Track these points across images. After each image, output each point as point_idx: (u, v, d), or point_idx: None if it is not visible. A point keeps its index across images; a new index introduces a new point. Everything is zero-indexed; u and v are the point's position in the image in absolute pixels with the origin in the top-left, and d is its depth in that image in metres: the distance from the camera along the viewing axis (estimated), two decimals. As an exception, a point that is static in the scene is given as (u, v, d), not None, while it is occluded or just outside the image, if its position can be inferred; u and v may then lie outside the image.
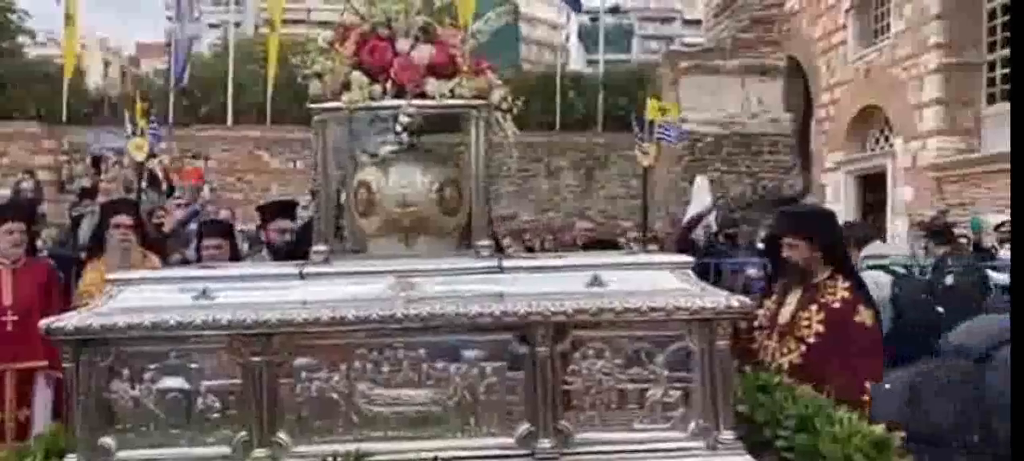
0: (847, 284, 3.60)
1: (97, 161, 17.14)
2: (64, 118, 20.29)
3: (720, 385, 2.23)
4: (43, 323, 2.21)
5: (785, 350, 3.54)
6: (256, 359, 2.20)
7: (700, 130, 20.04)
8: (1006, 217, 10.81)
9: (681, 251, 8.95)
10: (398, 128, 2.31)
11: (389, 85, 2.36)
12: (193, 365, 2.24)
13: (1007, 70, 14.17)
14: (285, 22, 24.25)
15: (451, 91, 2.34)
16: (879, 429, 2.13)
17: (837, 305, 3.52)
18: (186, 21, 21.63)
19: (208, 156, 20.56)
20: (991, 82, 14.65)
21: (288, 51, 23.57)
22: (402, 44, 2.38)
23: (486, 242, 2.39)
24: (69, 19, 19.62)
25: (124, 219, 5.14)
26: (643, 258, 2.39)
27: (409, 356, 2.24)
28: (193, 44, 22.27)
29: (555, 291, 2.25)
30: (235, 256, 5.58)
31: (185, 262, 7.41)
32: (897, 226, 15.57)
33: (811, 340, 3.47)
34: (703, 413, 2.24)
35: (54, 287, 5.23)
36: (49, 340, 4.82)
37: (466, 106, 2.38)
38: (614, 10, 28.19)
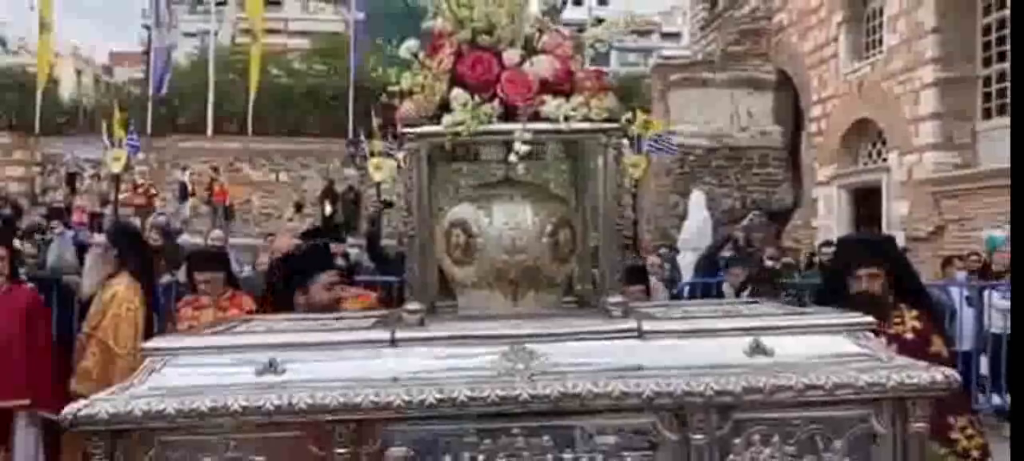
0: (915, 313, 3.34)
1: (72, 178, 16.43)
2: (37, 128, 19.59)
3: (915, 477, 1.81)
4: (68, 409, 1.72)
5: None
6: (342, 451, 1.73)
7: (689, 143, 19.80)
8: None
9: (707, 272, 8.66)
10: (513, 157, 1.85)
11: (496, 105, 1.90)
12: (258, 458, 1.76)
13: (1003, 85, 14.08)
14: (263, 32, 23.76)
15: (574, 111, 1.89)
16: None
17: (909, 336, 3.24)
18: (165, 29, 21.13)
19: (187, 167, 19.99)
20: (987, 97, 14.56)
21: (267, 61, 23.09)
22: (510, 55, 1.92)
23: (618, 299, 1.93)
24: (44, 27, 19.01)
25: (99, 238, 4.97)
26: (813, 319, 1.96)
27: (531, 445, 1.78)
28: (171, 53, 21.77)
29: (712, 363, 1.81)
30: (231, 283, 5.09)
31: (177, 284, 6.89)
32: (893, 241, 15.38)
33: None
34: (894, 511, 1.81)
35: (37, 315, 4.78)
36: (33, 375, 4.51)
37: (596, 130, 1.93)
38: (598, 23, 27.97)
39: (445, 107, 1.90)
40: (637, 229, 19.02)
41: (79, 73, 38.00)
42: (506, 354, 1.82)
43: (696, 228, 15.16)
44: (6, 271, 4.67)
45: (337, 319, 2.29)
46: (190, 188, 18.71)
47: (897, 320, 3.29)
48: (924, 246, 14.32)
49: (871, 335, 1.90)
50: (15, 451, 4.54)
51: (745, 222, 12.62)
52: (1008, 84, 13.80)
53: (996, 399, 8.50)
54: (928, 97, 14.92)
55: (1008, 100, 13.79)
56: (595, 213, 1.98)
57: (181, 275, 6.87)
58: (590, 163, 2.01)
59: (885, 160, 16.40)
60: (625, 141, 2.35)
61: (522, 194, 2.04)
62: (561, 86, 1.94)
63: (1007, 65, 13.84)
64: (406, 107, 1.90)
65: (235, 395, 1.73)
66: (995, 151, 13.80)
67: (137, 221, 12.91)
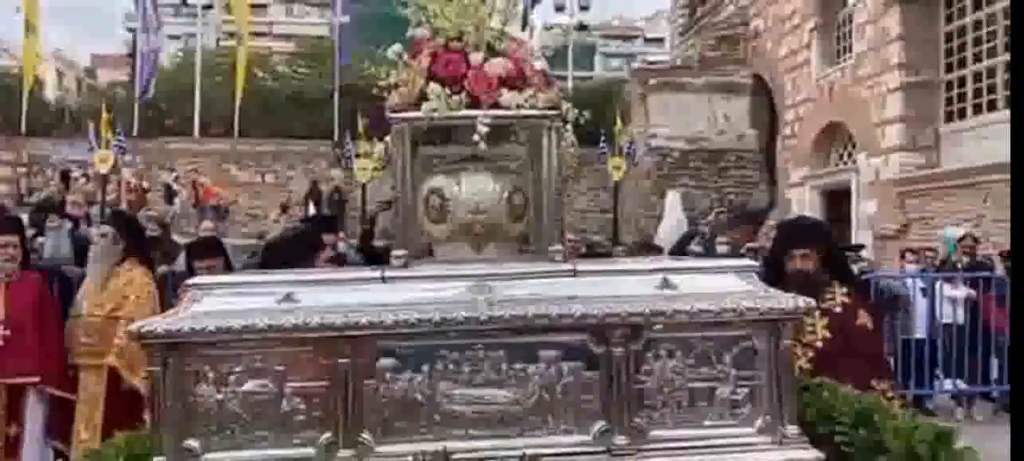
0: (845, 290, 3.74)
1: (65, 175, 16.76)
2: (22, 129, 19.75)
3: (785, 382, 2.35)
4: (133, 326, 2.24)
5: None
6: (343, 361, 2.26)
7: (668, 145, 20.32)
8: (968, 230, 11.28)
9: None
10: (476, 137, 2.40)
11: (463, 96, 2.46)
12: (278, 367, 2.29)
13: (963, 89, 14.75)
14: (248, 35, 24.06)
15: (524, 102, 2.44)
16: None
17: (838, 310, 3.65)
18: (151, 32, 21.33)
19: (174, 169, 20.24)
20: (949, 101, 15.19)
21: (253, 64, 23.40)
22: (475, 57, 2.48)
23: (558, 247, 2.49)
24: (30, 28, 19.21)
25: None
26: (709, 262, 2.51)
27: (490, 357, 2.32)
28: (157, 56, 21.95)
29: (628, 294, 2.36)
30: (229, 270, 5.54)
31: (173, 274, 7.33)
32: (862, 239, 16.05)
33: (819, 345, 3.57)
34: (769, 409, 2.36)
35: (47, 300, 5.15)
36: (43, 355, 4.89)
37: (541, 116, 2.49)
38: (580, 28, 28.60)
39: (424, 97, 2.45)
40: (617, 227, 19.57)
41: (61, 75, 37.98)
42: (471, 288, 2.37)
43: (671, 227, 15.72)
44: (19, 258, 5.09)
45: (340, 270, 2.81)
46: (176, 189, 18.99)
47: (829, 295, 3.68)
48: (891, 244, 14.92)
49: (754, 275, 2.46)
50: (25, 425, 4.94)
51: (710, 219, 13.38)
52: (969, 88, 14.52)
53: (948, 385, 9.12)
54: (894, 101, 15.54)
55: (969, 104, 14.52)
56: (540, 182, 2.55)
57: (177, 266, 7.31)
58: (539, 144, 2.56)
59: (854, 162, 17.04)
60: (569, 125, 2.80)
61: (485, 168, 2.61)
62: (515, 82, 2.49)
63: (968, 71, 14.54)
64: (392, 97, 2.46)
65: (260, 317, 2.26)
66: (956, 153, 14.49)
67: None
